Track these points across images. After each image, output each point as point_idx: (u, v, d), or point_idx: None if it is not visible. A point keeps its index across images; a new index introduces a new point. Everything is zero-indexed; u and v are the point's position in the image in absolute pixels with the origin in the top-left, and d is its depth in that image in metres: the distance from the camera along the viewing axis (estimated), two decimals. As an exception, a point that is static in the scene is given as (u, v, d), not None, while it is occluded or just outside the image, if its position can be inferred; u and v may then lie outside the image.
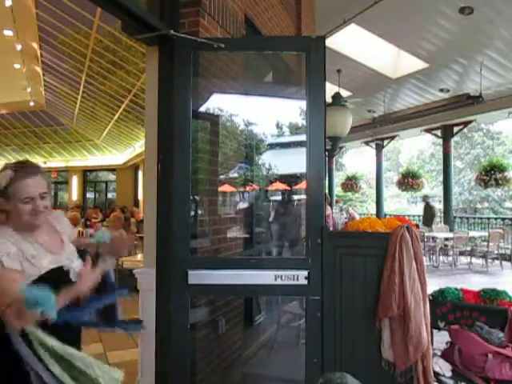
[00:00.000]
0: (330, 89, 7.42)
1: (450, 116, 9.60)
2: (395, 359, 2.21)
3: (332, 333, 2.33)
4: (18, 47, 9.49)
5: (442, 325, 2.50)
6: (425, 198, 11.19)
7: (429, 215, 10.50)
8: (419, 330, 2.13)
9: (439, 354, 2.46)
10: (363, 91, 9.10)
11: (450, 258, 8.93)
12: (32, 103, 14.84)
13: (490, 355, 2.14)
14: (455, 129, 10.46)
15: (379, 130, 11.18)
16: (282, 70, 4.06)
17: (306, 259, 2.35)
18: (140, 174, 17.35)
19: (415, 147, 26.58)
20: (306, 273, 2.29)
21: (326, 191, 10.20)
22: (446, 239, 9.08)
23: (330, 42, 5.75)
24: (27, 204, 1.47)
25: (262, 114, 4.20)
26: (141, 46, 7.10)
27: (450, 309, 2.51)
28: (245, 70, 3.37)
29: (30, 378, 1.30)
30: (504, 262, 8.83)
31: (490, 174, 9.09)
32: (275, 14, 4.03)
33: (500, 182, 9.10)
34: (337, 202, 13.94)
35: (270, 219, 5.57)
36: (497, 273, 8.28)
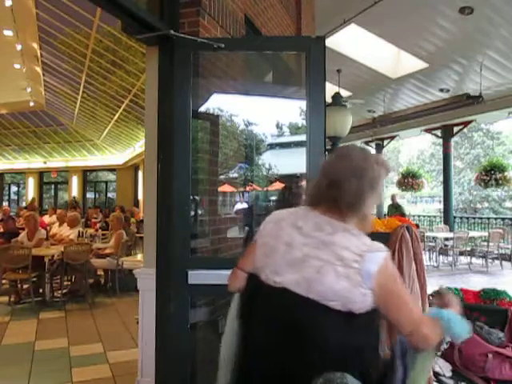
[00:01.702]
0: (330, 89, 7.42)
1: (450, 116, 9.59)
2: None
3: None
4: (18, 47, 9.49)
5: (442, 325, 2.50)
6: (392, 197, 10.37)
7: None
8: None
9: (439, 354, 2.45)
10: (363, 91, 9.09)
11: (450, 258, 8.92)
12: (32, 103, 14.84)
13: (490, 355, 2.14)
14: (455, 129, 10.46)
15: (379, 130, 11.17)
16: (282, 69, 4.06)
17: (305, 259, 2.35)
18: (140, 174, 17.36)
19: (415, 147, 26.59)
20: (305, 273, 2.29)
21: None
22: (446, 239, 9.07)
23: (329, 42, 5.75)
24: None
25: (262, 114, 4.20)
26: (141, 46, 7.10)
27: (449, 309, 2.50)
28: (245, 70, 3.37)
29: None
30: (504, 262, 8.83)
31: (490, 174, 9.09)
32: (275, 14, 4.03)
33: (500, 181, 9.10)
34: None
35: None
36: (497, 273, 8.28)
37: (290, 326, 1.18)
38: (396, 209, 9.87)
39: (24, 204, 19.48)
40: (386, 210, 10.62)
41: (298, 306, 1.18)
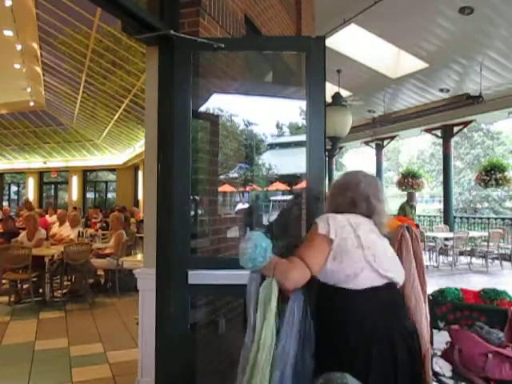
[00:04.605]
0: (330, 89, 7.42)
1: (450, 116, 9.59)
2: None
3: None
4: (18, 47, 9.49)
5: (441, 325, 2.50)
6: (412, 196, 9.35)
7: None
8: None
9: (439, 353, 2.45)
10: (363, 91, 9.09)
11: (450, 258, 8.92)
12: (32, 103, 14.84)
13: (490, 355, 2.14)
14: (455, 129, 10.45)
15: (379, 130, 11.17)
16: (282, 69, 4.06)
17: (305, 259, 2.34)
18: (140, 174, 17.36)
19: (415, 147, 26.60)
20: (306, 273, 2.28)
21: (327, 191, 9.91)
22: (446, 239, 9.07)
23: (329, 42, 5.75)
24: None
25: (262, 114, 4.20)
26: (141, 46, 7.11)
27: (449, 309, 2.50)
28: (245, 70, 3.37)
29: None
30: (504, 262, 8.83)
31: (490, 174, 9.09)
32: (275, 14, 4.03)
33: (500, 181, 9.09)
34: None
35: (270, 219, 5.57)
36: (497, 273, 8.27)
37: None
38: (414, 209, 9.16)
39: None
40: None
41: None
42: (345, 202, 1.72)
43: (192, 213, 2.48)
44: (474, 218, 11.98)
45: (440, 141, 11.52)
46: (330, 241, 1.55)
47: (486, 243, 8.86)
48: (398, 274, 1.68)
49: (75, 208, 14.17)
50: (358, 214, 1.69)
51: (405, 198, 9.40)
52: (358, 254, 1.54)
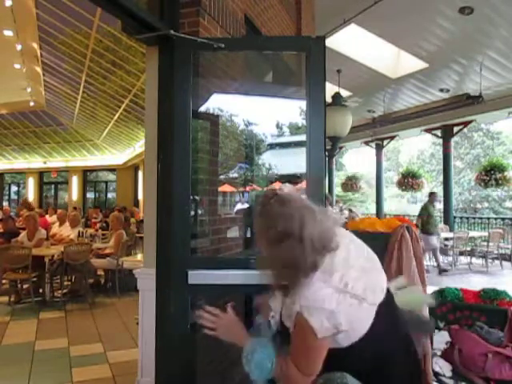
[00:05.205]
0: (330, 89, 7.43)
1: (450, 116, 9.60)
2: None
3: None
4: (18, 47, 9.50)
5: (441, 325, 2.50)
6: (435, 195, 9.36)
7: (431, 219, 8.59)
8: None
9: (439, 353, 2.45)
10: (363, 91, 9.10)
11: (450, 258, 8.92)
12: (32, 103, 14.85)
13: (489, 355, 2.14)
14: (455, 129, 10.46)
15: (379, 130, 11.17)
16: (282, 69, 4.06)
17: (306, 259, 2.34)
18: (140, 174, 17.37)
19: (415, 147, 26.57)
20: (306, 273, 2.28)
21: (327, 191, 9.92)
22: (446, 239, 9.07)
23: (329, 42, 5.75)
24: None
25: (262, 114, 4.20)
26: (141, 46, 7.11)
27: (449, 309, 2.50)
28: (245, 70, 3.37)
29: None
30: (504, 262, 8.83)
31: (490, 174, 9.09)
32: (275, 14, 4.03)
33: (500, 182, 9.09)
34: (337, 202, 13.94)
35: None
36: (497, 273, 8.28)
37: None
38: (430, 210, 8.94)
39: (24, 204, 19.44)
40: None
41: None
42: (306, 266, 1.30)
43: (192, 213, 2.48)
44: (474, 218, 11.98)
45: (440, 141, 11.52)
46: (338, 332, 1.29)
47: (485, 243, 8.86)
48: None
49: (75, 208, 14.16)
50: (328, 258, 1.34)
51: (404, 198, 9.41)
52: (365, 308, 1.33)
